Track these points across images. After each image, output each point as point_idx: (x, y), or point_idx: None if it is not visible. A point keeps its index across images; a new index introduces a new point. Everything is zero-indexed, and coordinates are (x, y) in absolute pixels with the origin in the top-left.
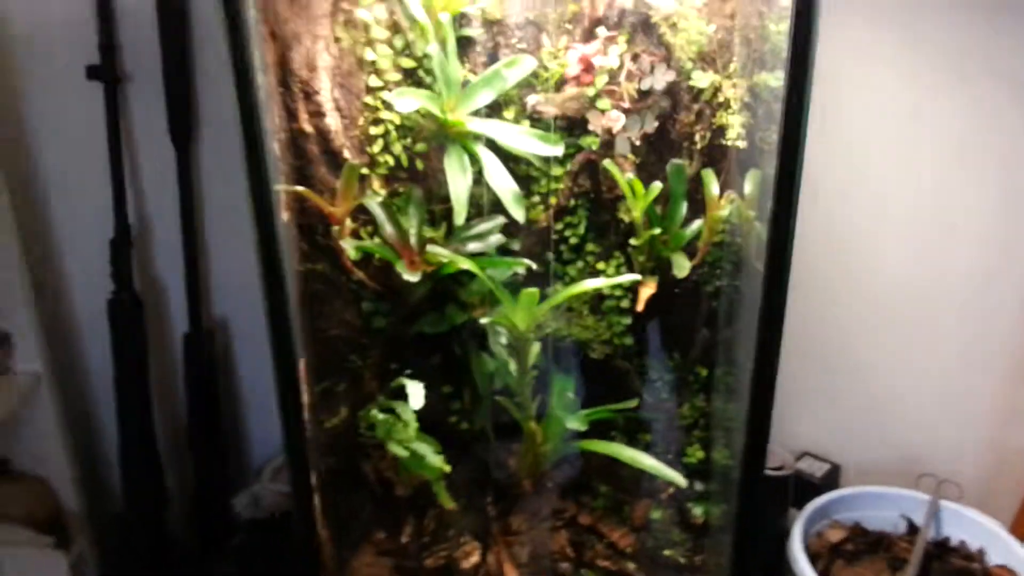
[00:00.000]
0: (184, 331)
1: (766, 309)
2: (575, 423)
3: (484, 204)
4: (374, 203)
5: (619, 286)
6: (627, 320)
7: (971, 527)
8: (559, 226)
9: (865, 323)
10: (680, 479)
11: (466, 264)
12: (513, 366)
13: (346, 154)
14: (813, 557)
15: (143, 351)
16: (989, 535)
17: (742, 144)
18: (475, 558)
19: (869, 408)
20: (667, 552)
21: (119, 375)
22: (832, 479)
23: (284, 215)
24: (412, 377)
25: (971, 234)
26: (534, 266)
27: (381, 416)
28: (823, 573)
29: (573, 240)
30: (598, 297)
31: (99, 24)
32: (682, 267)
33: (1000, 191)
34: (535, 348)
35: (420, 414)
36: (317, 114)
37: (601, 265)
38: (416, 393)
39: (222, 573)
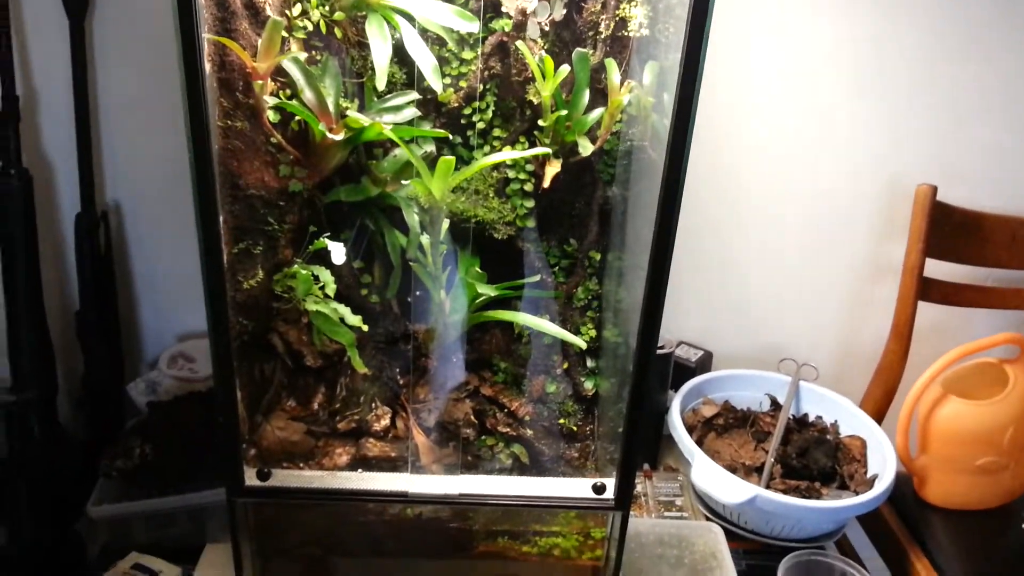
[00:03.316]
0: (76, 212)
1: (665, 195)
2: (487, 290)
3: (396, 83)
4: (293, 64)
5: (524, 170)
6: (530, 203)
7: (826, 404)
8: (467, 111)
9: (734, 226)
10: (580, 342)
11: (386, 131)
12: (426, 239)
13: (268, 11)
14: (689, 429)
15: (32, 231)
16: (842, 410)
17: (645, 32)
18: (386, 421)
19: (739, 302)
20: (561, 421)
21: (7, 256)
22: (705, 364)
23: (206, 67)
24: None
25: (833, 145)
26: (450, 137)
27: (303, 272)
28: (698, 441)
29: (481, 125)
30: (503, 180)
31: None
32: (586, 147)
33: (856, 109)
34: (445, 224)
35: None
36: None
37: (507, 150)
38: (337, 251)
39: (124, 448)
